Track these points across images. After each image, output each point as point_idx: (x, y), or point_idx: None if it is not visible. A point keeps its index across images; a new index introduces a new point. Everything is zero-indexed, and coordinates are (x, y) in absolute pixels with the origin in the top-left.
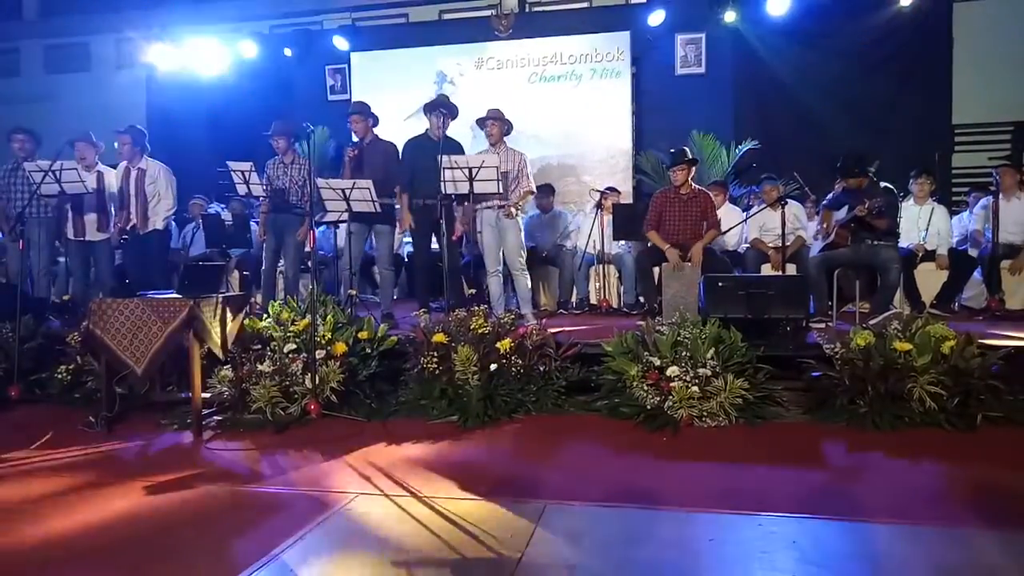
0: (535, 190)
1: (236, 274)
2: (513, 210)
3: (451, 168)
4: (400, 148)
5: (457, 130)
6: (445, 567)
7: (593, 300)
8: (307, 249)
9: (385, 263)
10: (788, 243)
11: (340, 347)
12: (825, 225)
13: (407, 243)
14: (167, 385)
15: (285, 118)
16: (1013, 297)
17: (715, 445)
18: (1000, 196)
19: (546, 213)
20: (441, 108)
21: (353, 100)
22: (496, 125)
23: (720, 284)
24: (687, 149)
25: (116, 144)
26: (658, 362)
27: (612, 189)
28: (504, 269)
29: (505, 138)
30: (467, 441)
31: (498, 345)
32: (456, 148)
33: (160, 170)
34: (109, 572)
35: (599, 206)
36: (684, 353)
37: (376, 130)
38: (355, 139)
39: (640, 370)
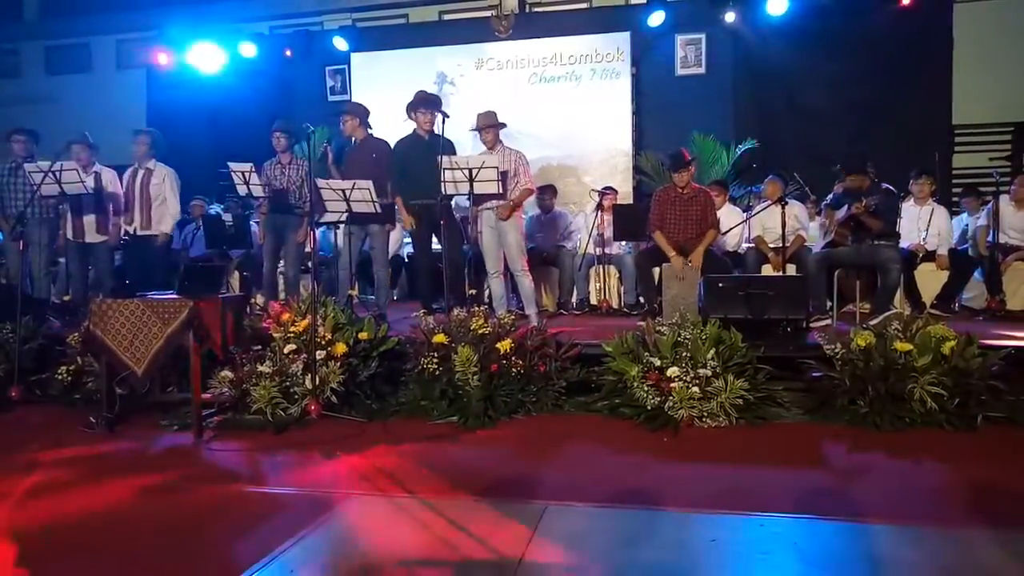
0: (535, 188)
1: (236, 275)
2: (505, 212)
3: (451, 169)
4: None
5: (459, 132)
6: (445, 568)
7: (593, 301)
8: (307, 250)
9: (380, 263)
10: (788, 243)
11: (340, 348)
12: (828, 223)
13: (407, 243)
14: (167, 386)
15: (287, 118)
16: (1014, 298)
17: (716, 446)
18: (1004, 199)
19: (547, 214)
20: (422, 106)
21: (352, 101)
22: (490, 132)
23: (720, 285)
24: (684, 151)
25: (134, 145)
26: (658, 362)
27: (610, 188)
28: (506, 270)
29: (503, 139)
30: (467, 442)
31: (498, 346)
32: (448, 147)
33: (166, 173)
34: (110, 572)
35: (600, 206)
36: (684, 354)
37: (375, 131)
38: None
39: (640, 371)
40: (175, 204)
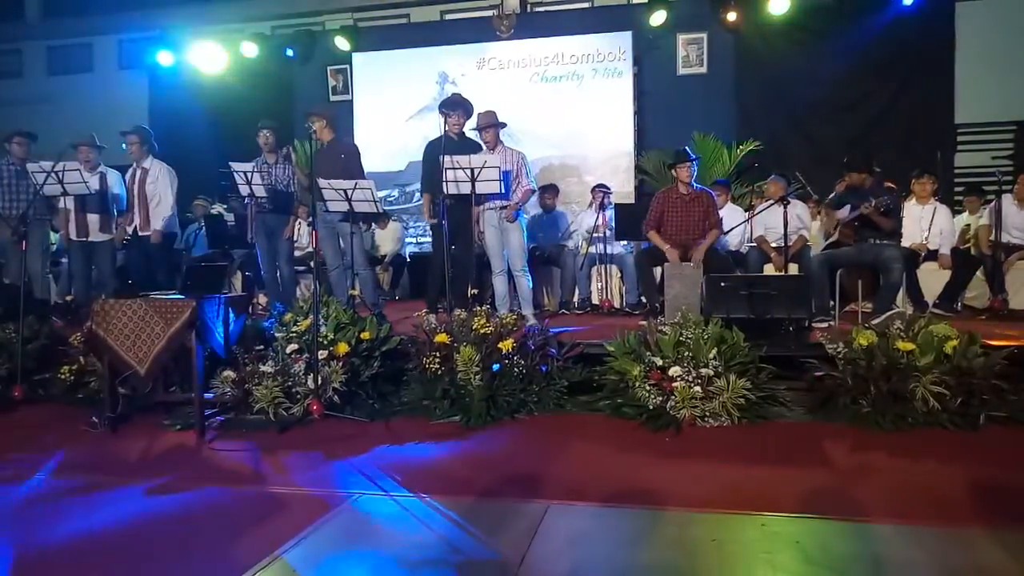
0: (535, 189)
1: (239, 275)
2: (512, 216)
3: (453, 168)
4: (399, 150)
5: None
6: (447, 568)
7: (595, 300)
8: (309, 248)
9: (359, 263)
10: (790, 243)
11: (342, 347)
12: (831, 223)
13: (408, 243)
14: (170, 386)
15: (274, 116)
16: (1016, 297)
17: (717, 445)
18: (1006, 198)
19: (548, 213)
20: (456, 109)
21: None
22: (490, 132)
23: (722, 284)
24: (687, 148)
25: (124, 145)
26: (660, 362)
27: (603, 186)
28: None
29: (503, 138)
30: (469, 441)
31: (500, 345)
32: (475, 148)
33: (161, 171)
34: (111, 572)
35: (601, 206)
36: (686, 353)
37: (376, 131)
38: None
39: (642, 370)
40: (168, 202)
